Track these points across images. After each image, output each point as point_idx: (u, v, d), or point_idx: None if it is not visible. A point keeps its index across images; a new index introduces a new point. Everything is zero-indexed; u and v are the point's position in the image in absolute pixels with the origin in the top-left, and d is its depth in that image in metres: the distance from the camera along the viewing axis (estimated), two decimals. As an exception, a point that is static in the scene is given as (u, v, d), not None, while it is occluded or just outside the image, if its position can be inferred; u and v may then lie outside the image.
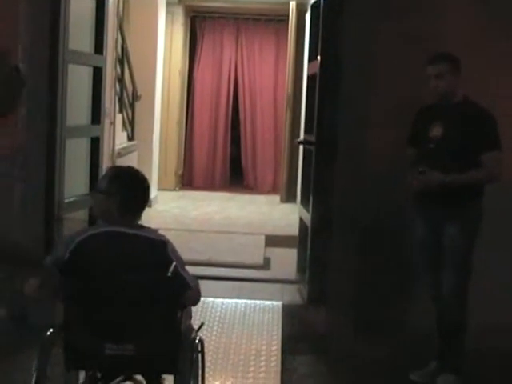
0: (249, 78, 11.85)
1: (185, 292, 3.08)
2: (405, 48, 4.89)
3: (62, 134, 4.83)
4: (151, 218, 8.43)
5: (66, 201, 4.89)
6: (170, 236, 3.24)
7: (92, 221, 4.27)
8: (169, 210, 9.57)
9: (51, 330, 3.00)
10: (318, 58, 5.42)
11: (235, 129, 12.06)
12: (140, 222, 3.27)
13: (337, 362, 4.62)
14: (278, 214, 9.68)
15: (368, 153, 4.99)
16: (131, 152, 8.72)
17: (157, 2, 9.74)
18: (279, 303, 5.63)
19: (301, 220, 6.26)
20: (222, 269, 6.51)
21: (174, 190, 11.26)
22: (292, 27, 10.39)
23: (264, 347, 4.80)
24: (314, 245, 5.50)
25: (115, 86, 8.01)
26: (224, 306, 5.52)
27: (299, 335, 5.05)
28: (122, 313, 2.97)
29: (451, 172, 4.10)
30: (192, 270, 3.38)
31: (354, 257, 5.03)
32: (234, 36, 11.82)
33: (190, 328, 3.33)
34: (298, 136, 8.85)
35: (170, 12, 10.73)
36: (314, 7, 5.98)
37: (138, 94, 9.20)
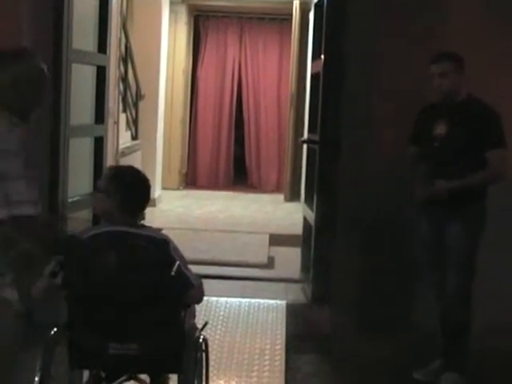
0: (252, 77, 11.85)
1: (188, 291, 3.08)
2: (408, 47, 4.89)
3: (66, 134, 4.83)
4: (155, 217, 8.44)
5: (70, 200, 4.89)
6: (173, 235, 3.24)
7: (96, 220, 4.27)
8: (173, 209, 9.57)
9: (55, 329, 3.00)
10: (322, 56, 5.42)
11: (239, 128, 12.06)
12: (143, 221, 3.27)
13: (341, 361, 4.62)
14: (281, 213, 9.69)
15: (372, 152, 4.99)
16: (135, 151, 8.73)
17: (160, 1, 9.75)
18: (283, 302, 5.63)
19: (305, 219, 6.26)
20: (226, 268, 6.51)
21: (178, 189, 11.27)
22: (295, 26, 10.38)
23: (268, 346, 4.79)
24: (317, 244, 5.50)
25: (119, 85, 8.01)
26: (228, 305, 5.52)
27: (303, 334, 5.05)
28: (126, 312, 2.96)
29: (456, 170, 4.10)
30: (196, 268, 3.38)
31: (357, 256, 5.03)
32: (238, 35, 11.82)
33: (194, 327, 3.33)
34: (302, 135, 8.85)
35: (173, 11, 10.74)
36: (318, 6, 5.98)
37: (142, 93, 9.20)
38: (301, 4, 10.26)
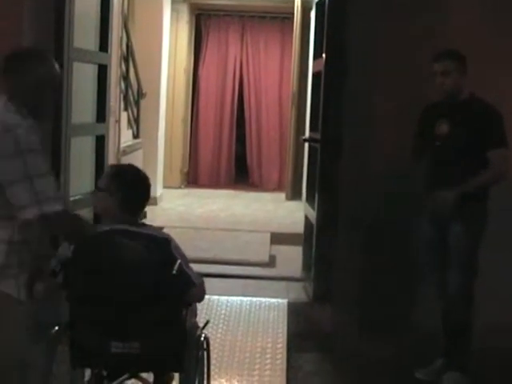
0: (254, 76, 11.85)
1: (189, 289, 3.08)
2: (410, 45, 4.88)
3: (67, 132, 4.83)
4: (156, 215, 8.45)
5: (71, 199, 4.89)
6: (175, 234, 3.24)
7: (97, 219, 4.27)
8: (174, 208, 9.58)
9: (57, 328, 3.00)
10: (323, 55, 5.42)
11: (240, 126, 12.06)
12: (145, 220, 3.27)
13: (342, 360, 4.61)
14: (283, 211, 9.69)
15: (373, 151, 4.98)
16: (136, 150, 8.73)
17: (162, -1, 9.75)
18: (284, 301, 5.63)
19: (306, 218, 6.26)
20: (228, 266, 6.51)
21: (180, 187, 11.27)
22: (297, 25, 10.38)
23: (269, 345, 4.79)
24: (319, 242, 5.50)
25: (120, 83, 8.01)
26: (229, 304, 5.52)
27: (305, 333, 5.05)
28: (127, 311, 2.96)
29: (457, 170, 4.10)
30: (197, 267, 3.38)
31: (359, 255, 5.02)
32: (239, 34, 11.82)
33: (196, 326, 3.33)
34: (304, 134, 8.85)
35: (174, 10, 10.74)
36: (319, 5, 5.98)
37: (143, 91, 9.21)
38: (302, 3, 10.26)
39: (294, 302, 5.61)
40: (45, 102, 2.89)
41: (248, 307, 5.50)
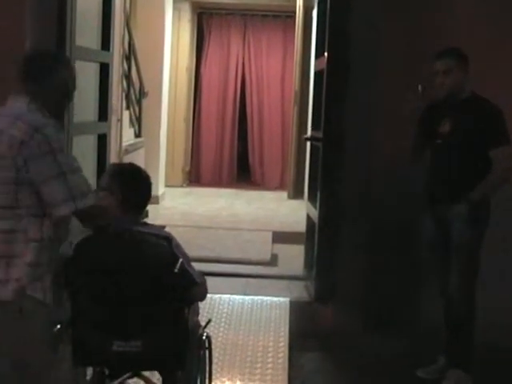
0: (256, 75, 11.84)
1: (191, 288, 3.08)
2: (412, 44, 4.88)
3: (69, 131, 4.82)
4: (158, 214, 8.45)
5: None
6: (176, 232, 3.24)
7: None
8: (176, 207, 9.58)
9: (59, 326, 3.00)
10: (325, 54, 5.41)
11: (242, 125, 12.06)
12: (147, 219, 3.27)
13: (344, 359, 4.61)
14: (285, 210, 9.69)
15: (375, 149, 4.98)
16: (138, 149, 8.73)
17: (164, -2, 9.75)
18: (286, 299, 5.62)
19: (308, 216, 6.25)
20: (229, 265, 6.51)
21: (182, 186, 11.27)
22: (299, 23, 10.38)
23: (271, 343, 4.79)
24: (321, 241, 5.49)
25: (122, 82, 8.01)
26: (231, 303, 5.52)
27: (306, 332, 5.04)
28: (128, 310, 2.96)
29: (459, 169, 4.09)
30: (199, 266, 3.38)
31: (361, 253, 5.02)
32: (241, 32, 11.81)
33: (198, 324, 3.33)
34: (306, 132, 8.85)
35: (176, 8, 10.74)
36: (321, 3, 5.97)
37: (145, 90, 9.20)
38: (304, 1, 10.26)
39: (295, 301, 5.60)
40: (65, 102, 2.97)
41: (250, 306, 5.50)
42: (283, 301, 5.60)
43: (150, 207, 3.36)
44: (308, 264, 6.06)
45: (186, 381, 3.14)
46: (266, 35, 11.76)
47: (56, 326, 2.95)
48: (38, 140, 2.65)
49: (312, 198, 6.05)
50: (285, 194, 10.79)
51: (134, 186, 3.15)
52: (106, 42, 5.33)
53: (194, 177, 11.90)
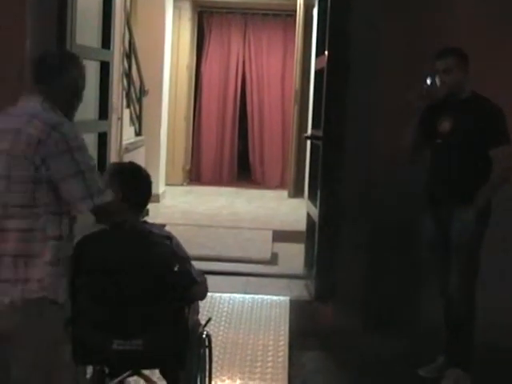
0: (256, 73, 11.84)
1: (191, 287, 3.09)
2: (413, 43, 4.88)
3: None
4: (159, 213, 8.45)
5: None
6: (177, 231, 3.25)
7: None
8: (176, 205, 9.58)
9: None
10: (326, 53, 5.41)
11: (243, 124, 12.06)
12: (147, 218, 3.27)
13: (344, 358, 4.61)
14: (285, 209, 9.69)
15: (375, 148, 4.98)
16: (139, 147, 8.73)
17: (164, -4, 9.75)
18: (286, 298, 5.62)
19: (308, 215, 6.25)
20: (230, 264, 6.51)
21: (182, 185, 11.28)
22: (299, 22, 10.38)
23: (271, 342, 4.79)
24: (321, 240, 5.50)
25: (122, 80, 8.01)
26: (231, 301, 5.52)
27: (306, 331, 5.05)
28: (129, 308, 2.97)
29: (459, 169, 4.10)
30: (199, 265, 3.39)
31: (361, 252, 5.02)
32: (242, 31, 11.81)
33: (198, 323, 3.33)
34: (306, 131, 8.85)
35: (177, 7, 10.73)
36: (322, 2, 5.97)
37: (146, 88, 9.20)
38: (305, 0, 10.26)
39: (296, 300, 5.61)
40: (74, 101, 2.98)
41: (250, 305, 5.50)
42: (283, 300, 5.60)
43: (150, 206, 3.37)
44: (308, 263, 6.06)
45: (186, 379, 3.15)
46: (266, 34, 11.76)
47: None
48: (55, 138, 2.66)
49: (312, 197, 6.05)
50: (285, 193, 10.79)
51: (134, 184, 3.15)
52: (106, 41, 5.33)
53: (195, 175, 11.90)
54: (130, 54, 8.61)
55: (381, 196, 4.95)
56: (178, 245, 3.13)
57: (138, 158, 8.16)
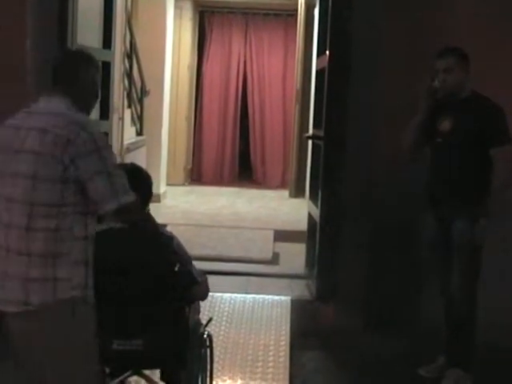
0: (257, 73, 11.84)
1: (192, 287, 3.09)
2: (414, 42, 4.87)
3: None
4: (160, 213, 8.44)
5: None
6: (178, 231, 3.25)
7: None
8: (177, 205, 9.58)
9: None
10: (327, 52, 5.41)
11: (244, 124, 12.06)
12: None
13: (344, 358, 4.61)
14: (286, 208, 9.69)
15: (376, 148, 4.98)
16: (140, 147, 8.73)
17: (165, -4, 9.75)
18: (288, 298, 5.63)
19: (309, 215, 6.25)
20: (231, 264, 6.51)
21: (183, 184, 11.27)
22: (301, 22, 10.38)
23: (272, 342, 4.79)
24: (322, 240, 5.49)
25: (123, 81, 8.02)
26: (232, 301, 5.52)
27: (307, 330, 5.05)
28: (130, 308, 2.97)
29: (459, 168, 4.09)
30: (200, 264, 3.39)
31: (362, 252, 5.02)
32: (243, 31, 11.80)
33: (199, 323, 3.34)
34: (307, 131, 8.85)
35: (178, 7, 10.73)
36: (323, 1, 5.97)
37: (147, 88, 9.20)
38: (306, 0, 10.25)
39: (297, 300, 5.61)
40: (92, 101, 2.99)
41: (251, 304, 5.51)
42: (284, 299, 5.60)
43: (151, 206, 3.36)
44: (309, 263, 6.06)
45: (187, 379, 3.15)
46: (267, 34, 11.75)
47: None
48: (84, 138, 2.64)
49: (313, 197, 6.05)
50: (286, 193, 10.78)
51: (134, 185, 3.15)
52: (107, 41, 5.34)
53: (196, 175, 11.90)
54: (131, 53, 8.61)
55: (382, 196, 4.95)
56: (179, 245, 3.13)
57: (139, 157, 8.16)
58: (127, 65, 8.44)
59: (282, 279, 6.17)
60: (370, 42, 5.01)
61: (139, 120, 9.17)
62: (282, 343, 4.78)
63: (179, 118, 11.18)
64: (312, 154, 6.82)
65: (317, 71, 6.34)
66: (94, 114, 5.33)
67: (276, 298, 5.64)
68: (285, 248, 7.26)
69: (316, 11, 8.73)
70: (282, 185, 11.45)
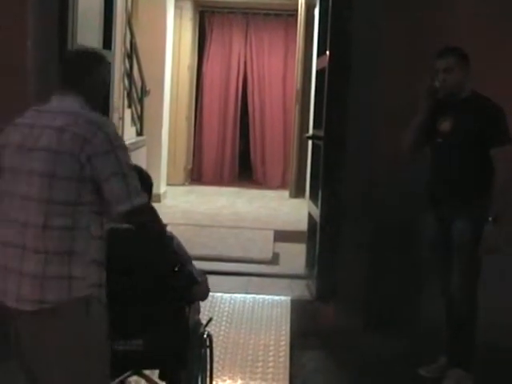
0: (258, 73, 11.83)
1: (192, 287, 3.09)
2: (414, 42, 4.87)
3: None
4: (160, 212, 8.40)
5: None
6: (178, 231, 3.25)
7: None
8: (178, 205, 9.58)
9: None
10: (327, 52, 5.41)
11: (244, 124, 12.06)
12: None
13: (345, 358, 4.61)
14: (286, 209, 9.69)
15: (377, 148, 4.98)
16: (140, 147, 8.73)
17: (165, -4, 9.75)
18: (288, 298, 5.63)
19: (310, 215, 6.25)
20: (231, 264, 6.51)
21: (183, 184, 11.27)
22: (301, 22, 10.38)
23: (272, 342, 4.80)
24: (322, 240, 5.50)
25: (124, 80, 8.02)
26: (232, 301, 5.53)
27: (307, 330, 5.05)
28: (130, 308, 2.97)
29: (459, 168, 4.09)
30: (200, 264, 3.39)
31: (362, 252, 5.02)
32: (243, 31, 11.80)
33: (199, 323, 3.33)
34: (308, 131, 8.85)
35: (178, 7, 10.73)
36: (323, 2, 5.97)
37: (147, 88, 9.20)
38: (306, 0, 10.25)
39: (297, 300, 5.61)
40: (103, 100, 2.98)
41: (251, 304, 5.51)
42: (284, 299, 5.60)
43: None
44: (309, 263, 6.06)
45: (187, 379, 3.15)
46: (267, 34, 11.75)
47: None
48: (100, 138, 2.64)
49: (313, 197, 6.05)
50: (286, 193, 10.78)
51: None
52: (107, 41, 5.33)
53: (196, 175, 11.90)
54: (132, 54, 8.61)
55: (382, 196, 4.95)
56: (179, 245, 3.13)
57: (140, 157, 8.16)
58: (127, 65, 8.45)
59: (282, 279, 6.17)
60: (370, 42, 5.01)
61: (139, 120, 9.18)
62: (282, 343, 4.78)
63: (179, 118, 11.18)
64: (312, 154, 6.82)
65: (317, 71, 6.34)
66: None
67: (276, 298, 5.64)
68: (285, 248, 7.26)
69: (316, 11, 8.73)
70: (282, 185, 11.45)
